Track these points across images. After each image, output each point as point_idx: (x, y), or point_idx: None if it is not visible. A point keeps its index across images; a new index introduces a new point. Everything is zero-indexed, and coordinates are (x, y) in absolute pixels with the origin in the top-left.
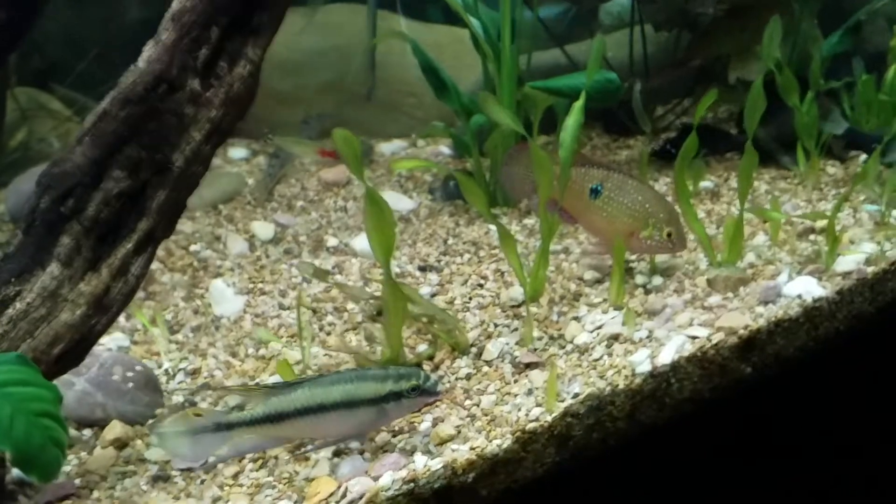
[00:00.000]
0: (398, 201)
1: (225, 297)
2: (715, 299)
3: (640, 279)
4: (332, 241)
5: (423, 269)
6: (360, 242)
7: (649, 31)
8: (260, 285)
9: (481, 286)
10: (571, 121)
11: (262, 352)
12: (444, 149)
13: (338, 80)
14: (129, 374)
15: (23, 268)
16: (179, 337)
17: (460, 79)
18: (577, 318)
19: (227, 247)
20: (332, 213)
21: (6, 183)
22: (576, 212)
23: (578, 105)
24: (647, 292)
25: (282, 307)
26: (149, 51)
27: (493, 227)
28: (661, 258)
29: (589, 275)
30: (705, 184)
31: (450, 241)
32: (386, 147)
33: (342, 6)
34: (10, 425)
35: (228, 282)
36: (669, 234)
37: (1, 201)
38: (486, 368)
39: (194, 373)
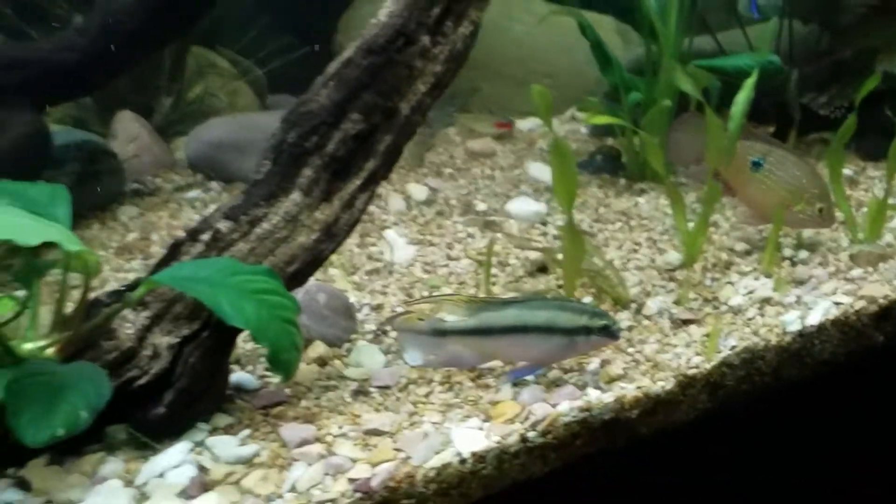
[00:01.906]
0: (544, 173)
1: (397, 246)
2: (857, 272)
3: (787, 252)
4: (480, 206)
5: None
6: (515, 206)
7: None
8: (428, 237)
9: (635, 251)
10: (742, 96)
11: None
12: (582, 128)
13: (482, 58)
14: (331, 301)
15: (270, 193)
16: (356, 278)
17: (595, 73)
18: (730, 283)
19: (388, 204)
20: (479, 180)
21: (184, 132)
22: (735, 183)
23: (750, 82)
24: (794, 264)
25: (449, 258)
26: (391, 6)
27: (640, 200)
28: (806, 233)
29: (740, 246)
30: (846, 171)
31: (601, 210)
32: (521, 124)
33: None
34: (267, 327)
35: (400, 232)
36: (821, 210)
37: (179, 148)
38: (646, 322)
39: (378, 307)
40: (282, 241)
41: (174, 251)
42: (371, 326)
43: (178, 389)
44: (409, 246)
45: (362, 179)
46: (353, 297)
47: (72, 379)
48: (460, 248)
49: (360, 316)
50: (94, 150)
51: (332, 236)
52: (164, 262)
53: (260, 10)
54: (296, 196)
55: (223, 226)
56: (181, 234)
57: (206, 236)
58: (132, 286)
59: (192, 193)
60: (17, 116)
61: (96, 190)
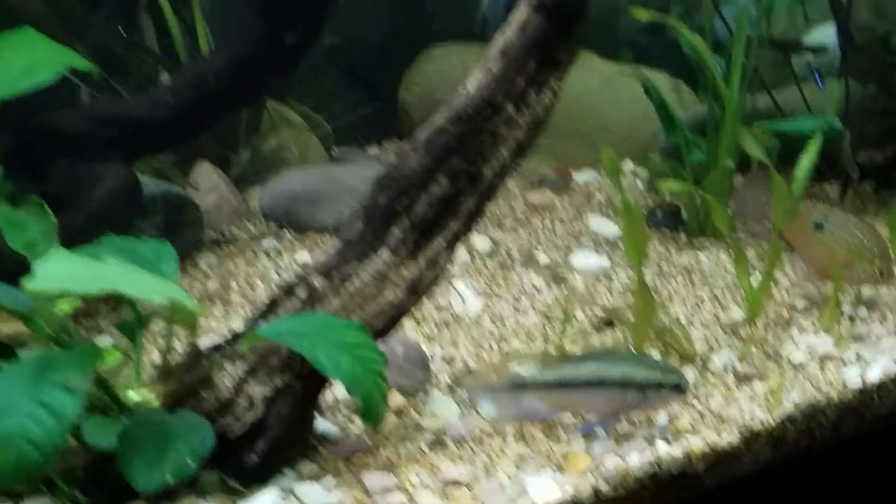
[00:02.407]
0: (603, 226)
1: (466, 298)
2: None
3: (847, 309)
4: (543, 258)
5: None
6: (578, 259)
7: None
8: (495, 289)
9: (699, 307)
10: (806, 160)
11: (505, 348)
12: (639, 182)
13: None
14: (408, 352)
15: (362, 252)
16: (427, 329)
17: (649, 121)
18: (791, 339)
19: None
20: (540, 232)
21: (258, 183)
22: (797, 241)
23: (814, 147)
24: (854, 321)
25: (516, 310)
26: (479, 79)
27: (701, 255)
28: (866, 291)
29: (800, 303)
30: None
31: (663, 265)
32: (578, 176)
33: None
34: (360, 380)
35: (467, 284)
36: (880, 269)
37: (254, 198)
38: (711, 377)
39: (450, 360)
40: (371, 297)
41: (273, 305)
42: (444, 378)
43: (271, 439)
44: (477, 298)
45: (446, 239)
46: (425, 348)
47: (178, 428)
48: (527, 301)
49: (433, 367)
50: (178, 202)
51: (417, 293)
52: (264, 316)
53: (329, 66)
54: (385, 255)
55: (318, 282)
56: (277, 289)
57: (302, 292)
58: (232, 338)
59: (267, 243)
60: (111, 170)
61: (179, 240)
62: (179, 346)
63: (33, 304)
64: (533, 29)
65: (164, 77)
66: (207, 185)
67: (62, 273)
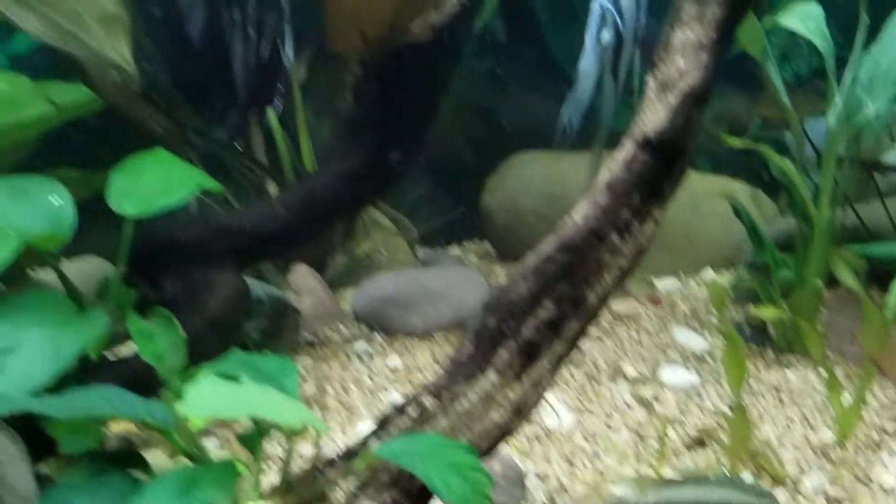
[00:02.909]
0: (690, 340)
1: (558, 411)
2: None
3: None
4: (630, 371)
5: (732, 407)
6: (668, 375)
7: None
8: (586, 404)
9: (789, 427)
10: None
11: (598, 466)
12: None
13: None
14: (506, 470)
15: (470, 373)
16: (518, 444)
17: (728, 230)
18: (882, 462)
19: None
20: (627, 343)
21: (349, 285)
22: (888, 365)
23: None
24: None
25: (608, 427)
26: (586, 210)
27: (790, 373)
28: None
29: (890, 426)
30: None
31: (752, 383)
32: (660, 284)
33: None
34: (470, 501)
35: (558, 397)
36: None
37: (346, 300)
38: (802, 500)
39: (543, 477)
40: (477, 418)
41: (385, 423)
42: (540, 495)
43: None
44: (569, 412)
45: (550, 362)
46: (519, 464)
47: None
48: (619, 417)
49: (527, 484)
50: (280, 306)
51: (521, 414)
52: (376, 434)
53: (417, 172)
54: (492, 376)
55: (429, 402)
56: (390, 408)
57: (413, 411)
58: (346, 454)
59: (360, 346)
60: (225, 277)
61: (280, 343)
62: (282, 451)
63: (173, 420)
64: (639, 165)
65: (271, 187)
66: (304, 287)
67: (212, 399)
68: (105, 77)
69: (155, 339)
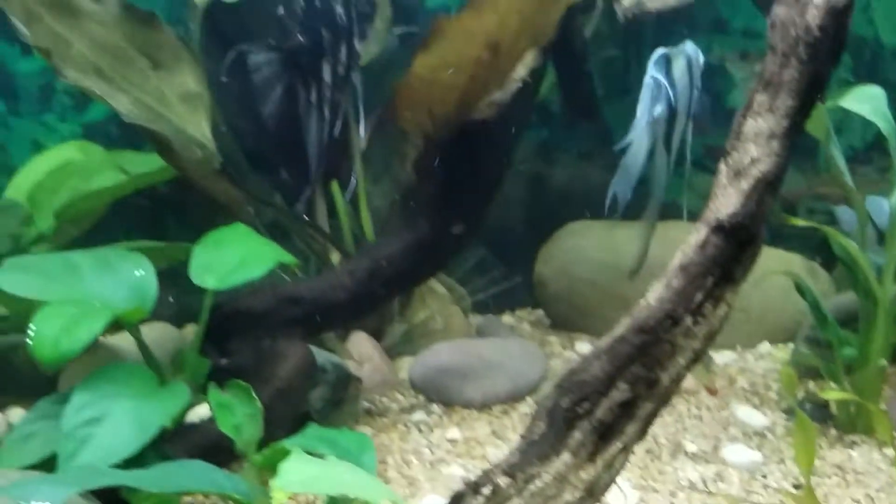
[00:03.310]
0: (752, 417)
1: (624, 490)
2: None
3: None
4: (691, 447)
5: (797, 486)
6: (731, 454)
7: None
8: (650, 482)
9: None
10: None
11: None
12: (778, 365)
13: None
14: None
15: (544, 454)
16: None
17: (785, 304)
18: None
19: None
20: (687, 419)
21: (405, 353)
22: None
23: None
24: None
25: None
26: (660, 293)
27: (853, 452)
28: None
29: None
30: None
31: (815, 463)
32: (717, 357)
33: (684, 223)
34: None
35: (623, 476)
36: None
37: (402, 368)
38: None
39: None
40: (550, 498)
41: (457, 501)
42: None
43: None
44: (633, 490)
45: (623, 442)
46: None
47: None
48: (684, 497)
49: None
50: (343, 375)
51: (593, 495)
52: None
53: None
54: (566, 457)
55: (503, 482)
56: (463, 485)
57: (486, 490)
58: None
59: (418, 416)
60: (293, 347)
61: (341, 412)
62: None
63: (257, 495)
64: (712, 249)
65: (334, 255)
66: (363, 355)
67: (304, 476)
68: (188, 153)
69: (233, 412)
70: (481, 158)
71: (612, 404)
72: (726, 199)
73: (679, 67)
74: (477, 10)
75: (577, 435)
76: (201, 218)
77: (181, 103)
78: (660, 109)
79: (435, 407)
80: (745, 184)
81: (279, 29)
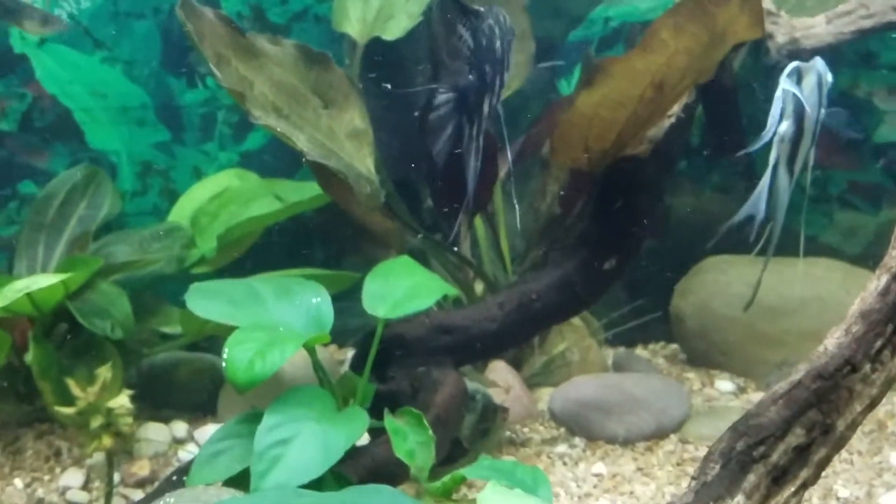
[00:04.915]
0: None
1: None
2: None
3: None
4: (843, 493)
5: None
6: (890, 501)
7: None
8: None
9: None
10: None
11: None
12: None
13: (817, 329)
14: None
15: (718, 495)
16: None
17: None
18: None
19: None
20: (837, 463)
21: (542, 384)
22: None
23: None
24: None
25: None
26: (839, 338)
27: None
28: None
29: None
30: None
31: None
32: None
33: (826, 260)
34: None
35: None
36: None
37: (541, 399)
38: None
39: None
40: None
41: None
42: None
43: None
44: None
45: (795, 486)
46: None
47: None
48: None
49: None
50: (490, 404)
51: None
52: None
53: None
54: (739, 499)
55: None
56: None
57: None
58: None
59: (560, 448)
60: (448, 376)
61: (486, 441)
62: None
63: None
64: (893, 297)
65: (478, 285)
66: (502, 383)
67: None
68: (359, 188)
69: (406, 438)
70: (634, 195)
71: (788, 449)
72: None
73: (809, 84)
74: (646, 50)
75: (751, 478)
76: (344, 245)
77: (348, 140)
78: (787, 127)
79: (577, 440)
80: None
81: (432, 65)
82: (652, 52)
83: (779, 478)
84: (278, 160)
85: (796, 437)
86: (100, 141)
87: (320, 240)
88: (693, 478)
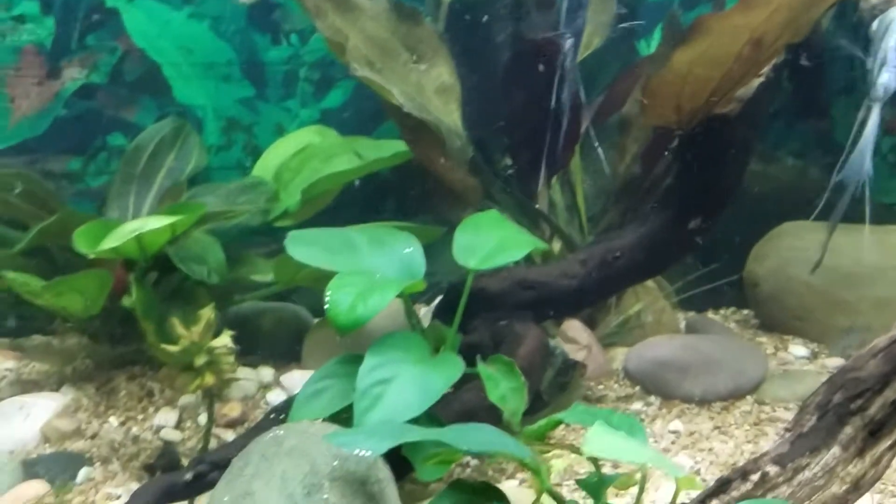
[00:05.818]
0: None
1: None
2: None
3: None
4: None
5: None
6: None
7: None
8: (891, 487)
9: None
10: None
11: None
12: None
13: (894, 297)
14: None
15: (814, 446)
16: None
17: None
18: None
19: None
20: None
21: (615, 343)
22: None
23: None
24: None
25: None
26: None
27: None
28: None
29: None
30: None
31: None
32: None
33: None
34: None
35: None
36: None
37: (615, 359)
38: None
39: None
40: (818, 489)
41: (724, 485)
42: None
43: None
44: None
45: (892, 440)
46: None
47: None
48: None
49: None
50: (569, 360)
51: (858, 489)
52: (715, 494)
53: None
54: (836, 450)
55: (771, 469)
56: (732, 471)
57: (755, 476)
58: None
59: (636, 405)
60: (530, 329)
61: (565, 398)
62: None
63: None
64: None
65: (556, 245)
66: (579, 342)
67: (609, 444)
68: (450, 142)
69: (498, 384)
70: (722, 154)
71: (885, 403)
72: None
73: None
74: (747, 6)
75: (848, 430)
76: (415, 203)
77: (436, 95)
78: (891, 75)
79: (652, 398)
80: None
81: (515, 21)
82: (754, 7)
83: (875, 431)
84: (357, 118)
85: (894, 391)
86: (186, 96)
87: (394, 197)
88: (787, 429)
